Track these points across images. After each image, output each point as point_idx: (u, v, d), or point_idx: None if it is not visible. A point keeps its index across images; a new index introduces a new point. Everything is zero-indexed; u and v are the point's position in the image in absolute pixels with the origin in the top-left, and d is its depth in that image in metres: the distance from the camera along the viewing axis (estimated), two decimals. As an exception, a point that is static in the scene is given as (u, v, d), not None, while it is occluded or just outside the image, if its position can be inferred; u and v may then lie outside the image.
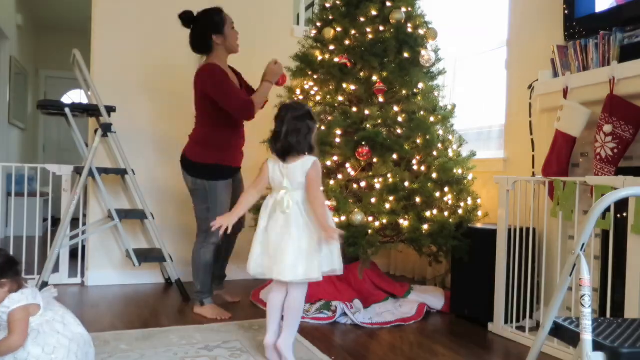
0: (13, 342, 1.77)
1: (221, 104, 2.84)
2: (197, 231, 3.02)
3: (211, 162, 2.92)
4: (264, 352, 2.36)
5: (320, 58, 3.28)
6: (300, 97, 3.35)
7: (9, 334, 1.78)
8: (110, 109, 3.44)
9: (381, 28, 3.17)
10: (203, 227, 2.94)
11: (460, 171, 3.18)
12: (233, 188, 3.03)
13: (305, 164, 2.17)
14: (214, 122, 2.93)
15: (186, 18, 3.01)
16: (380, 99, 3.10)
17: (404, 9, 3.19)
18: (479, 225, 3.10)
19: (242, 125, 3.08)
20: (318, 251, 2.15)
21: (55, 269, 3.60)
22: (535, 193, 2.80)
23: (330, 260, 2.19)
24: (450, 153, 3.21)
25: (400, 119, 3.07)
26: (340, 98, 3.19)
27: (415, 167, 3.09)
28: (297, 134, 2.17)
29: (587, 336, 1.28)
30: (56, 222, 4.01)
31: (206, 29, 2.96)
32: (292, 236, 2.14)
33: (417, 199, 3.00)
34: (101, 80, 3.72)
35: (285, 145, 2.17)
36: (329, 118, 3.19)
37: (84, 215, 3.98)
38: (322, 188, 2.25)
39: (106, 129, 3.39)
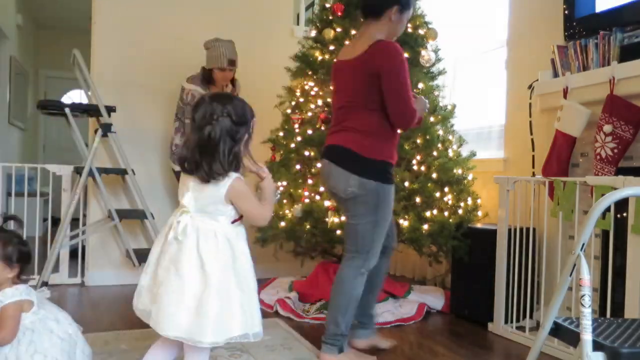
0: (1, 337, 1.67)
1: (392, 96, 2.13)
2: (352, 253, 2.24)
3: (385, 159, 2.21)
4: (264, 352, 2.36)
5: (320, 58, 3.28)
6: (301, 100, 3.35)
7: None
8: (110, 109, 3.44)
9: (381, 28, 3.16)
10: (365, 247, 2.21)
11: (460, 171, 3.18)
12: None
13: (221, 187, 1.60)
14: (380, 109, 2.17)
15: None
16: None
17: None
18: (479, 225, 3.10)
19: None
20: (219, 308, 1.56)
21: (55, 269, 3.60)
22: (535, 193, 2.80)
23: (244, 320, 1.60)
24: (450, 153, 3.20)
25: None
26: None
27: (415, 167, 3.09)
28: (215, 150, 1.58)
29: (587, 336, 1.27)
30: (56, 222, 4.00)
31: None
32: (180, 276, 1.58)
33: (417, 199, 3.00)
34: (101, 80, 3.72)
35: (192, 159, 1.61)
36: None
37: (84, 215, 3.98)
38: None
39: (106, 129, 3.39)
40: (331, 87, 2.38)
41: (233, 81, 3.52)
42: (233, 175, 1.61)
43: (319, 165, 3.11)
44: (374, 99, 2.16)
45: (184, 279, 1.57)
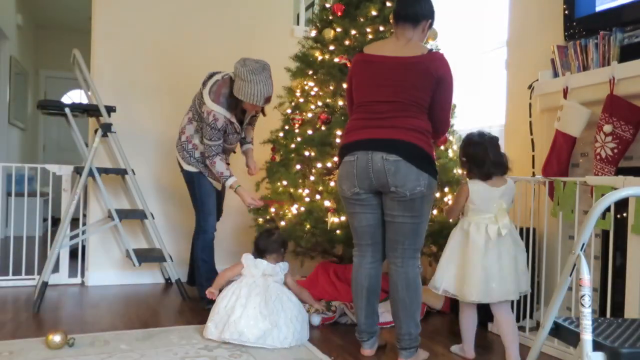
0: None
1: (446, 105, 2.28)
2: (415, 252, 2.29)
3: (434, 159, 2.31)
4: (264, 352, 2.36)
5: (320, 58, 3.28)
6: (301, 100, 3.34)
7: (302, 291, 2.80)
8: (110, 109, 3.44)
9: (381, 28, 3.16)
10: (421, 244, 2.34)
11: (460, 171, 3.18)
12: None
13: (510, 187, 2.40)
14: (426, 111, 2.26)
15: None
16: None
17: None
18: (479, 225, 3.09)
19: None
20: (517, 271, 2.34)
21: (55, 269, 3.60)
22: (535, 193, 2.80)
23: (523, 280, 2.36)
24: (450, 153, 3.20)
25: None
26: (341, 103, 3.19)
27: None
28: (500, 160, 2.37)
29: (587, 336, 1.27)
30: (56, 222, 4.01)
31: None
32: (511, 257, 2.32)
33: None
34: (101, 80, 3.73)
35: (491, 170, 2.34)
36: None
37: (84, 215, 3.98)
38: None
39: (106, 129, 3.39)
40: (353, 79, 2.32)
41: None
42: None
43: (319, 165, 3.11)
44: (425, 100, 2.21)
45: (515, 257, 2.33)
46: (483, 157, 2.34)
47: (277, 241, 2.75)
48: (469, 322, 2.43)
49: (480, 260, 2.26)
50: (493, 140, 2.40)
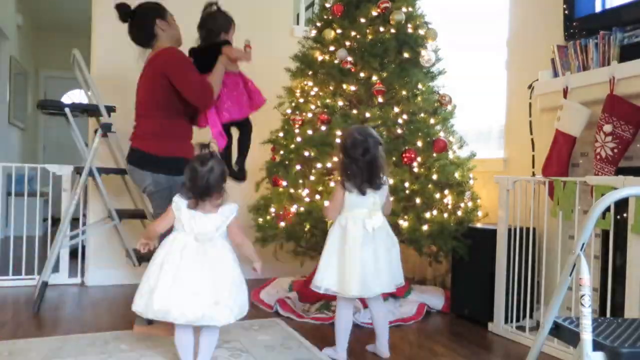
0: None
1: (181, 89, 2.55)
2: None
3: (177, 154, 2.52)
4: (264, 352, 2.36)
5: (320, 58, 3.28)
6: (301, 100, 3.34)
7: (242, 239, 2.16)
8: (110, 109, 3.44)
9: (381, 28, 3.17)
10: None
11: (459, 174, 3.17)
12: None
13: (383, 191, 2.37)
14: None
15: (123, 10, 2.84)
16: (380, 100, 3.10)
17: (404, 9, 3.19)
18: (479, 225, 3.10)
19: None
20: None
21: (55, 269, 3.60)
22: (535, 193, 2.80)
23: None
24: (451, 155, 3.19)
25: (400, 120, 3.07)
26: (340, 103, 3.19)
27: (415, 170, 3.08)
28: (381, 166, 2.32)
29: (587, 336, 1.27)
30: (56, 222, 4.00)
31: (148, 16, 2.82)
32: (386, 250, 2.38)
33: (417, 200, 3.00)
34: (101, 80, 3.72)
35: (362, 188, 2.29)
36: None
37: (84, 215, 3.98)
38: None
39: (106, 129, 3.38)
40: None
41: None
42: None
43: (319, 165, 3.11)
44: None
45: (389, 250, 2.39)
46: (355, 174, 2.28)
47: (218, 173, 2.05)
48: (343, 322, 2.36)
49: (358, 254, 2.26)
50: (371, 153, 2.27)
